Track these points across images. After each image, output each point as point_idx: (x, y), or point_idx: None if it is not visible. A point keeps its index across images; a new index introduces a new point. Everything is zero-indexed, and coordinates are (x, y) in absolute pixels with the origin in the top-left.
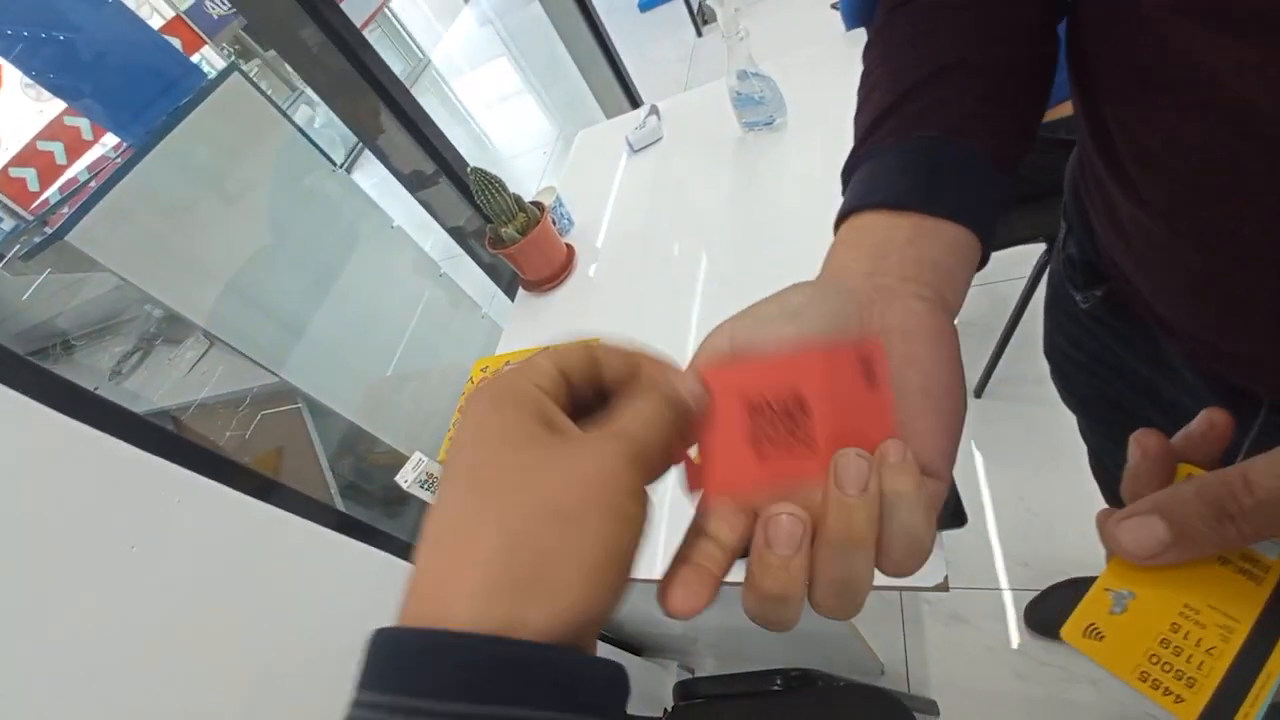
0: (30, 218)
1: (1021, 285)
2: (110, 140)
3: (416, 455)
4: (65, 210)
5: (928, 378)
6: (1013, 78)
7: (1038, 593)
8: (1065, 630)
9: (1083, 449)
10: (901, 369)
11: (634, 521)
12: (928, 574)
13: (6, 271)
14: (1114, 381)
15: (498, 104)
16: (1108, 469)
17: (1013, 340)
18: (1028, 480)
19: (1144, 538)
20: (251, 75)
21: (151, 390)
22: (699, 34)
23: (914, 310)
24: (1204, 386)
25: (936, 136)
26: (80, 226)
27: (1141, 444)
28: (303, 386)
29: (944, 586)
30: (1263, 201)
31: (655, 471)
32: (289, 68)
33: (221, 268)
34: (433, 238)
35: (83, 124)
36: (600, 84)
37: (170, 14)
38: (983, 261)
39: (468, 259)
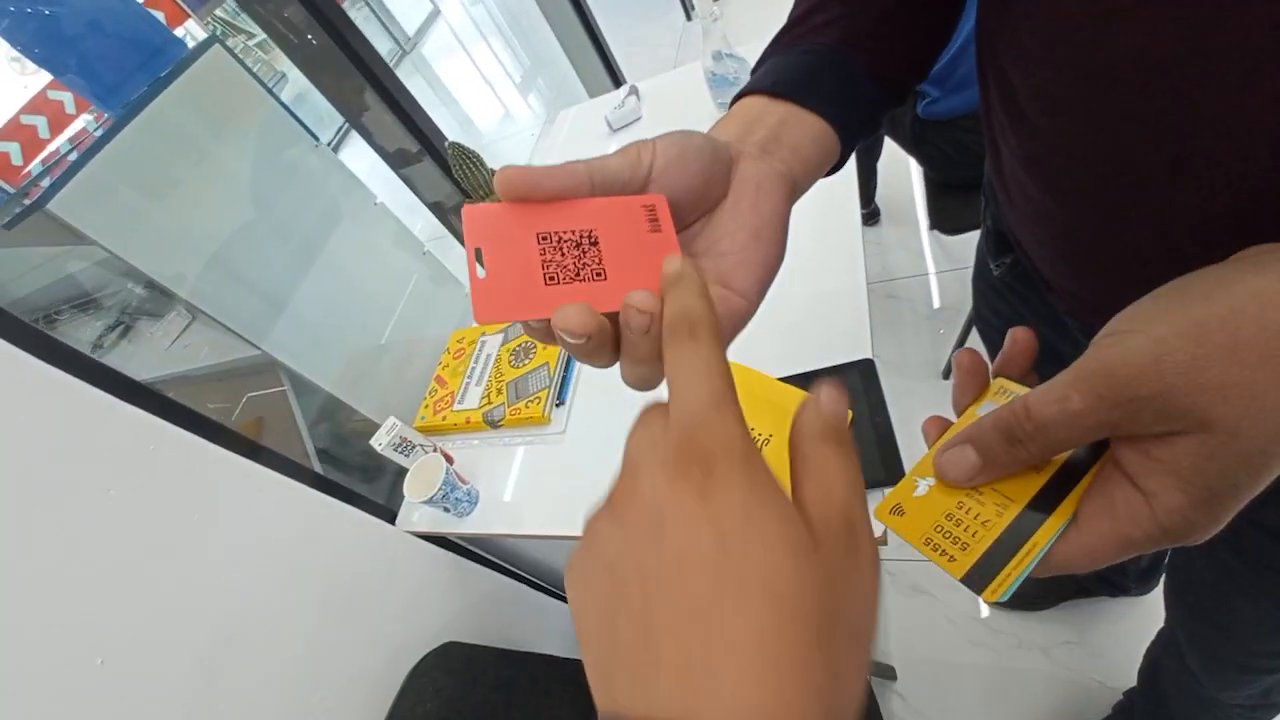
0: (12, 190)
1: None
2: (94, 113)
3: (390, 420)
4: (46, 182)
5: (761, 223)
6: (909, 10)
7: None
8: (876, 509)
9: None
10: (746, 212)
11: None
12: None
13: None
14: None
15: (487, 84)
16: None
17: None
18: None
19: (960, 463)
20: (237, 51)
21: (134, 364)
22: (688, 18)
23: (764, 171)
24: (1088, 340)
25: (828, 45)
26: (61, 196)
27: (958, 361)
28: (285, 360)
29: (881, 540)
30: (1102, 146)
31: None
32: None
33: (204, 241)
34: (421, 220)
35: (66, 97)
36: (585, 65)
37: None
38: (841, 160)
39: (452, 239)
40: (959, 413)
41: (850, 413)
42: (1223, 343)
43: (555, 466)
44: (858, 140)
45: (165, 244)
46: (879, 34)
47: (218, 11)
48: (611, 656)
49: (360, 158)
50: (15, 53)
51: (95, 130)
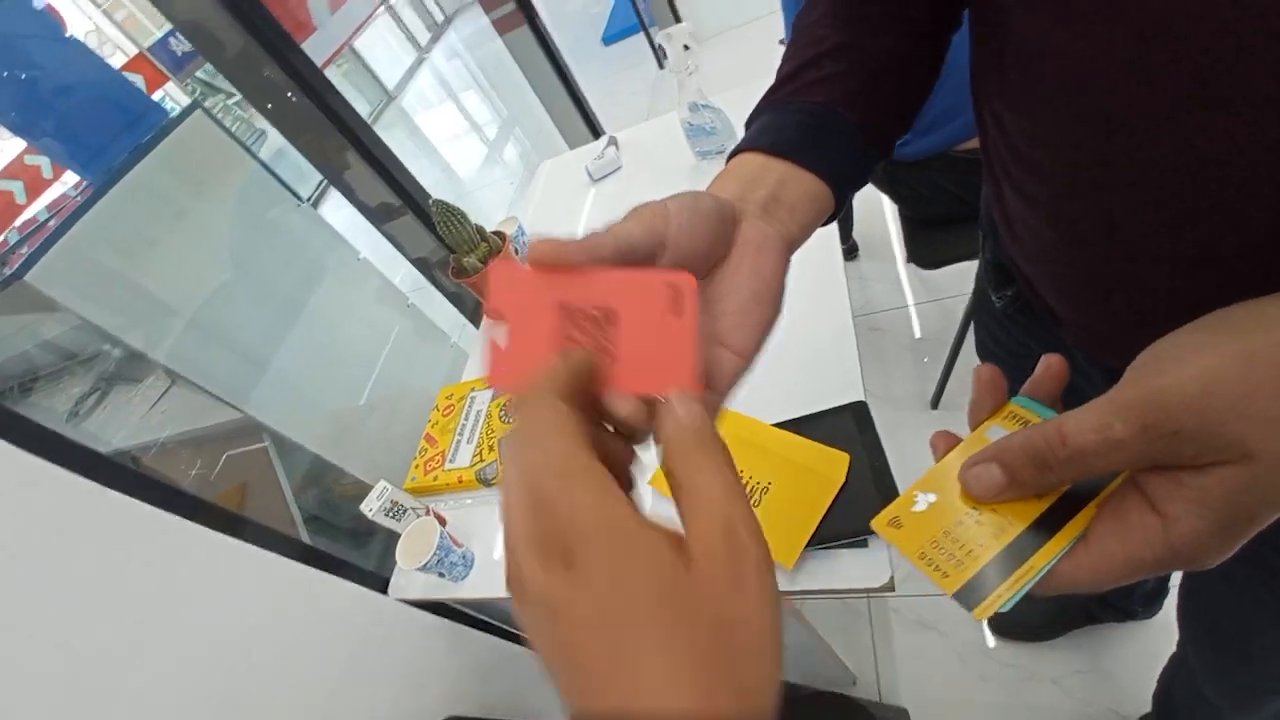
0: None
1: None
2: (71, 179)
3: (381, 484)
4: (24, 250)
5: (761, 286)
6: (898, 68)
7: None
8: (874, 521)
9: None
10: (746, 274)
11: None
12: (873, 575)
13: None
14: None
15: (466, 136)
16: None
17: (963, 354)
18: None
19: (986, 481)
20: (215, 112)
21: (111, 431)
22: (661, 66)
23: (765, 233)
24: (1100, 376)
25: (821, 103)
26: (39, 266)
27: (978, 374)
28: (268, 422)
29: (889, 587)
30: (1102, 188)
31: None
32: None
33: (183, 304)
34: (402, 271)
35: (43, 162)
36: (563, 116)
37: (133, 50)
38: (834, 214)
39: (435, 292)
40: (972, 427)
41: (848, 455)
42: (1273, 375)
43: None
44: (851, 195)
45: (143, 308)
46: (869, 92)
47: (198, 73)
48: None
49: (342, 211)
50: None
51: (75, 196)
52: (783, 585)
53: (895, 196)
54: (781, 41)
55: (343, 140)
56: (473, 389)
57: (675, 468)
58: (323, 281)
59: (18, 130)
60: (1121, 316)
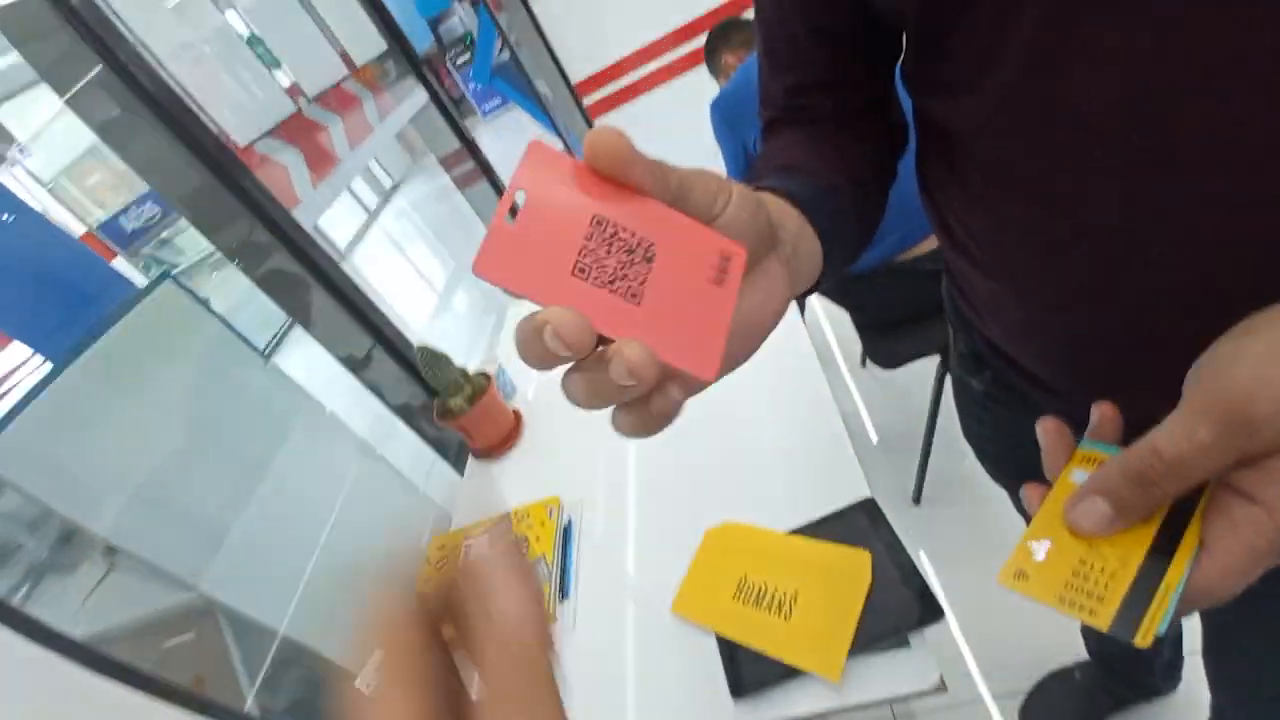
0: None
1: (927, 395)
2: (14, 355)
3: (378, 654)
4: None
5: (754, 325)
6: (862, 196)
7: (1025, 694)
8: (999, 576)
9: None
10: (749, 306)
11: None
12: (920, 677)
13: None
14: (1020, 449)
15: (416, 288)
16: None
17: (934, 450)
18: (986, 580)
19: (1095, 516)
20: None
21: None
22: None
23: (782, 276)
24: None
25: (823, 187)
26: None
27: (1043, 426)
28: (225, 599)
29: (941, 686)
30: (1058, 264)
31: None
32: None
33: (132, 474)
34: (358, 418)
35: None
36: None
37: (80, 229)
38: (811, 289)
39: (399, 436)
40: (1054, 477)
41: (869, 553)
42: None
43: (568, 669)
44: (828, 276)
45: (88, 482)
46: (851, 190)
47: (144, 250)
48: None
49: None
50: None
51: (16, 371)
52: (833, 701)
53: (849, 306)
54: None
55: (327, 296)
56: (466, 537)
57: (469, 615)
58: (287, 440)
59: None
60: (1107, 370)
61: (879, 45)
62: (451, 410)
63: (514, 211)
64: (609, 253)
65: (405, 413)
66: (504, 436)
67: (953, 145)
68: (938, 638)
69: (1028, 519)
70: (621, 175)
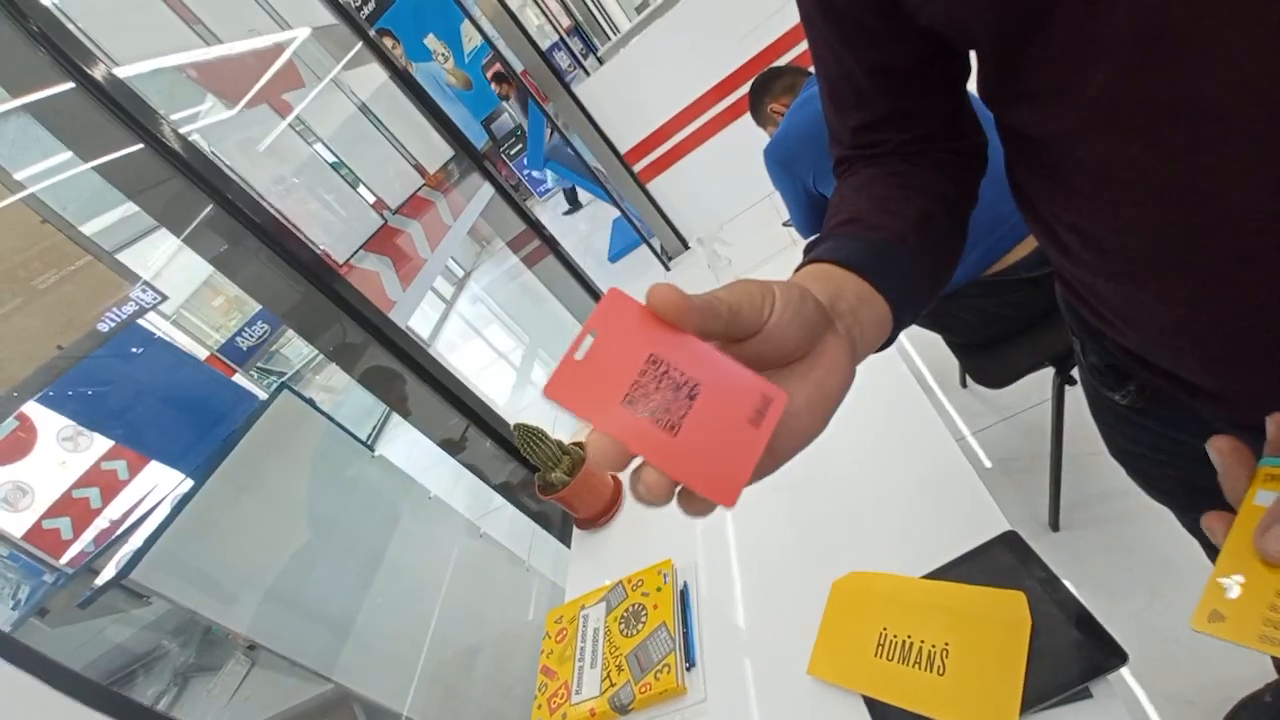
0: (64, 567)
1: (1043, 410)
2: (150, 475)
3: None
4: (115, 553)
5: (821, 400)
6: (929, 220)
7: None
8: (1193, 620)
9: (1193, 552)
10: (814, 383)
11: None
12: None
13: (46, 624)
14: (1180, 463)
15: (498, 365)
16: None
17: (1065, 467)
18: (1151, 607)
19: None
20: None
21: None
22: (667, 268)
23: (843, 349)
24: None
25: (887, 241)
26: (144, 563)
27: (1216, 446)
28: (358, 689)
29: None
30: (1199, 258)
31: None
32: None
33: (264, 574)
34: (459, 499)
35: (119, 465)
36: None
37: (204, 353)
38: (887, 342)
39: (500, 514)
40: (1235, 502)
41: (1023, 593)
42: None
43: None
44: (905, 324)
45: (227, 584)
46: (917, 233)
47: (259, 364)
48: None
49: (399, 450)
50: (68, 430)
51: (155, 490)
52: None
53: (942, 329)
54: (786, 223)
55: (427, 389)
56: (583, 606)
57: None
58: (398, 526)
59: (126, 441)
60: (1269, 365)
61: (944, 70)
62: (553, 484)
63: (588, 344)
64: (657, 388)
65: (507, 490)
66: (606, 505)
67: (1049, 151)
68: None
69: (1202, 541)
70: (680, 324)
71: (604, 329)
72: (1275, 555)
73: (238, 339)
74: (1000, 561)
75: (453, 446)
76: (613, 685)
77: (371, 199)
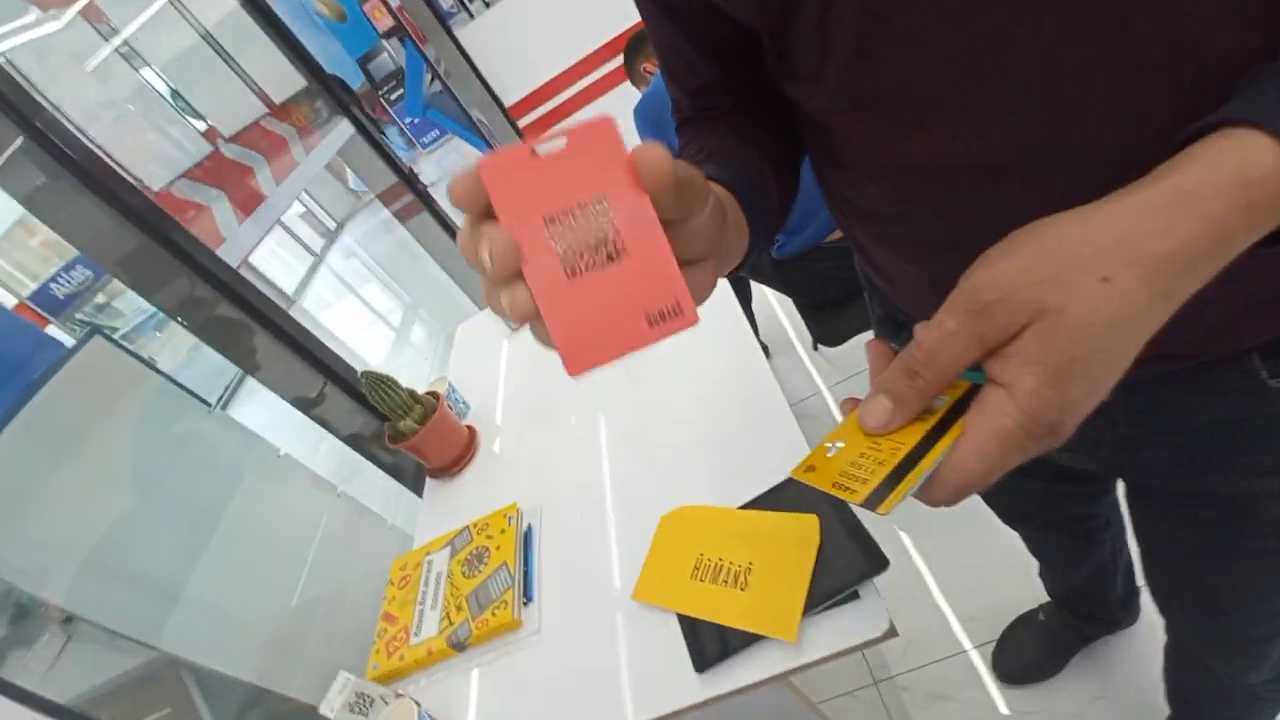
0: None
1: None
2: None
3: (341, 677)
4: None
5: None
6: (780, 179)
7: (994, 642)
8: (793, 470)
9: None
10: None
11: None
12: (873, 625)
13: None
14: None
15: (372, 325)
16: (992, 493)
17: None
18: (951, 539)
19: (877, 410)
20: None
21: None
22: None
23: (713, 267)
24: None
25: (755, 178)
26: None
27: (870, 349)
28: (188, 655)
29: (893, 631)
30: (921, 226)
31: None
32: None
33: (82, 539)
34: (323, 459)
35: None
36: (471, 283)
37: (12, 301)
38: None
39: (365, 473)
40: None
41: (816, 516)
42: (1037, 249)
43: (539, 672)
44: (749, 258)
45: (36, 550)
46: (776, 177)
47: (78, 315)
48: None
49: (256, 412)
50: None
51: None
52: (792, 661)
53: (788, 290)
54: None
55: (267, 334)
56: (428, 553)
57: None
58: (240, 487)
59: None
60: None
61: (759, 45)
62: (402, 432)
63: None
64: (585, 229)
65: (357, 442)
66: (459, 454)
67: (817, 127)
68: (920, 597)
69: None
70: (651, 192)
71: (574, 143)
72: (867, 423)
73: (52, 286)
74: (804, 491)
75: (305, 403)
76: (451, 624)
77: (203, 126)
